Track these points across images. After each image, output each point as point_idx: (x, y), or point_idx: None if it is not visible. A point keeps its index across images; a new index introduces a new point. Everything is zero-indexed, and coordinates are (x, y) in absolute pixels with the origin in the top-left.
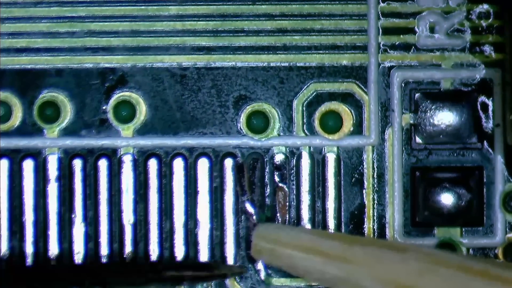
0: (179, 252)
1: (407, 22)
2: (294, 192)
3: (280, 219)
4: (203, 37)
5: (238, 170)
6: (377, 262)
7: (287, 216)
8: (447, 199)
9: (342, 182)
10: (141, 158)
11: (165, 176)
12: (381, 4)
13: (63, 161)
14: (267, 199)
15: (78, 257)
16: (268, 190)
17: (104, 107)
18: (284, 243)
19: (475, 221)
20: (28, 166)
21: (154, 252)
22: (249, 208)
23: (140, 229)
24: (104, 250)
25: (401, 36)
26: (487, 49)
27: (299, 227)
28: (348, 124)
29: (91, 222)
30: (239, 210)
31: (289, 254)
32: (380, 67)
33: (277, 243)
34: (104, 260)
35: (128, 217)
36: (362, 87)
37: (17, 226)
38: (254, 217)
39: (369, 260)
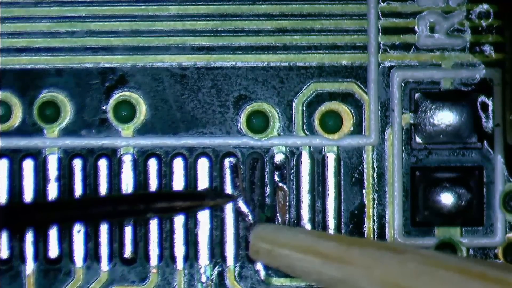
0: (179, 251)
1: (407, 22)
2: (294, 192)
3: (280, 219)
4: (203, 37)
5: (233, 170)
6: (375, 263)
7: (287, 216)
8: (447, 199)
9: (342, 182)
10: (141, 158)
11: (165, 176)
12: (381, 4)
13: (63, 161)
14: (267, 199)
15: (78, 258)
16: (268, 190)
17: (104, 107)
18: (282, 244)
19: (475, 221)
20: (28, 166)
21: (154, 251)
22: (244, 208)
23: (140, 229)
24: (104, 250)
25: (401, 36)
26: (487, 49)
27: (297, 228)
28: (348, 124)
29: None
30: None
31: (287, 255)
32: (380, 67)
33: (275, 243)
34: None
35: None
36: (362, 87)
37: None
38: (250, 217)
39: (367, 262)
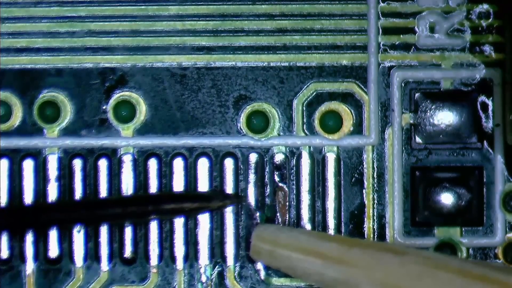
0: (179, 251)
1: (407, 22)
2: (294, 192)
3: (280, 219)
4: (203, 37)
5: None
6: (376, 264)
7: (287, 216)
8: (447, 199)
9: (342, 182)
10: (141, 158)
11: (165, 176)
12: (381, 4)
13: (63, 161)
14: (267, 199)
15: (78, 258)
16: (268, 190)
17: (104, 107)
18: (283, 245)
19: (475, 221)
20: (28, 166)
21: (154, 251)
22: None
23: (140, 228)
24: (104, 250)
25: (401, 36)
26: (487, 49)
27: (298, 229)
28: (348, 124)
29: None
30: (239, 210)
31: (288, 256)
32: (380, 67)
33: (276, 244)
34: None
35: None
36: (362, 87)
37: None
38: (257, 215)
39: (368, 263)
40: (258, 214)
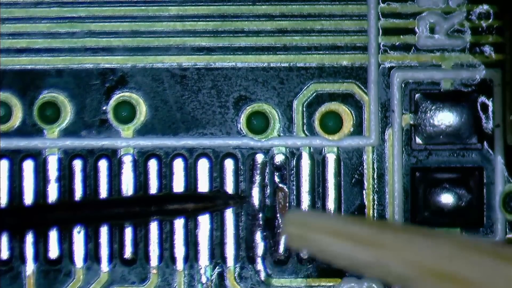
0: (179, 252)
1: (407, 23)
2: (294, 192)
3: (280, 219)
4: (203, 38)
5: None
6: (407, 246)
7: None
8: (447, 199)
9: (342, 182)
10: (141, 159)
11: (165, 177)
12: (381, 5)
13: (63, 162)
14: (267, 200)
15: (79, 258)
16: (268, 190)
17: (104, 108)
18: (313, 228)
19: (475, 221)
20: (28, 166)
21: (154, 252)
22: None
23: (140, 229)
24: (104, 251)
25: (401, 36)
26: (487, 49)
27: (328, 213)
28: (348, 124)
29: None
30: (239, 211)
31: (319, 239)
32: (380, 67)
33: (307, 228)
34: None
35: None
36: (362, 87)
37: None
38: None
39: (399, 245)
40: (260, 214)
